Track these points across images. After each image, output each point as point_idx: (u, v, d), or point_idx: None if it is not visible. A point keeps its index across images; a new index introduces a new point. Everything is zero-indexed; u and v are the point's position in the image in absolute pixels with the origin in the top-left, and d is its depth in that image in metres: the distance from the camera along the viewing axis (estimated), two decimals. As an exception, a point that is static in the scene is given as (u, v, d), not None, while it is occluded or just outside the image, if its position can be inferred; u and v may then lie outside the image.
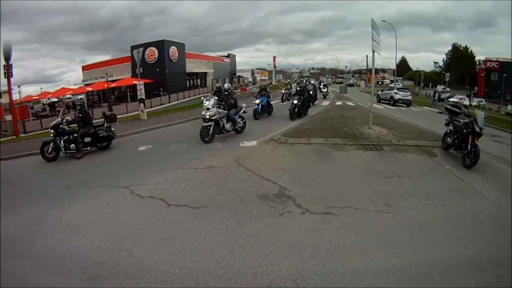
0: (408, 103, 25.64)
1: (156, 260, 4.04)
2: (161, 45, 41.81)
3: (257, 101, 15.43)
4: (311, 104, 18.26)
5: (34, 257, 4.32)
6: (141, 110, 18.18)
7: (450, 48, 76.65)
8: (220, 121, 10.41)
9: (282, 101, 21.80)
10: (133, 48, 35.37)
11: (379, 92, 28.56)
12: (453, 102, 16.90)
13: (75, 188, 6.89)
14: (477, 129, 7.37)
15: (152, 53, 41.62)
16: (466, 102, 35.72)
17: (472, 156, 7.31)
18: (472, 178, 6.76)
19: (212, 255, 4.08)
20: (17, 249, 4.55)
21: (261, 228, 4.70)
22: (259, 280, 3.58)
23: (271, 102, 16.47)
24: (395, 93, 25.97)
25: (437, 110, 24.04)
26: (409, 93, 26.97)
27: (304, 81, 22.79)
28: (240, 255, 4.07)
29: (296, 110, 14.07)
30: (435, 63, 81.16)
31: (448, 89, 42.02)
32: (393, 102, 25.36)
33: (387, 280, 3.51)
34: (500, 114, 31.74)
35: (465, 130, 7.71)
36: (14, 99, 23.67)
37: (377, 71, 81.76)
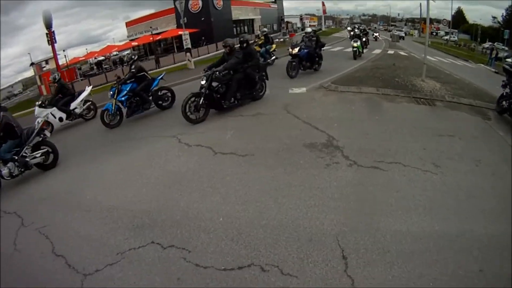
0: (403, 37, 42.25)
1: (201, 209, 4.14)
2: (205, -6, 40.89)
3: (111, 92, 8.39)
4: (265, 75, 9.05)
5: (83, 209, 4.59)
6: (188, 60, 18.37)
7: (511, 3, 68.49)
8: None
9: None
10: (175, -1, 34.92)
11: (390, 33, 45.62)
12: (512, 63, 15.55)
13: (129, 140, 7.16)
14: None
15: (196, 3, 40.82)
16: (526, 65, 32.61)
17: None
18: (527, 149, 6.12)
19: (256, 204, 4.11)
20: (67, 202, 4.86)
21: (307, 179, 4.62)
22: (301, 233, 3.57)
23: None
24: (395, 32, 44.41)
25: (493, 69, 22.55)
26: (403, 32, 50.39)
27: (356, 27, 21.47)
28: (284, 205, 4.05)
29: (200, 104, 7.40)
30: (494, 18, 72.75)
31: (506, 48, 38.57)
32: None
33: (427, 247, 3.33)
34: None
35: None
36: (61, 63, 24.56)
37: (431, 21, 75.79)
